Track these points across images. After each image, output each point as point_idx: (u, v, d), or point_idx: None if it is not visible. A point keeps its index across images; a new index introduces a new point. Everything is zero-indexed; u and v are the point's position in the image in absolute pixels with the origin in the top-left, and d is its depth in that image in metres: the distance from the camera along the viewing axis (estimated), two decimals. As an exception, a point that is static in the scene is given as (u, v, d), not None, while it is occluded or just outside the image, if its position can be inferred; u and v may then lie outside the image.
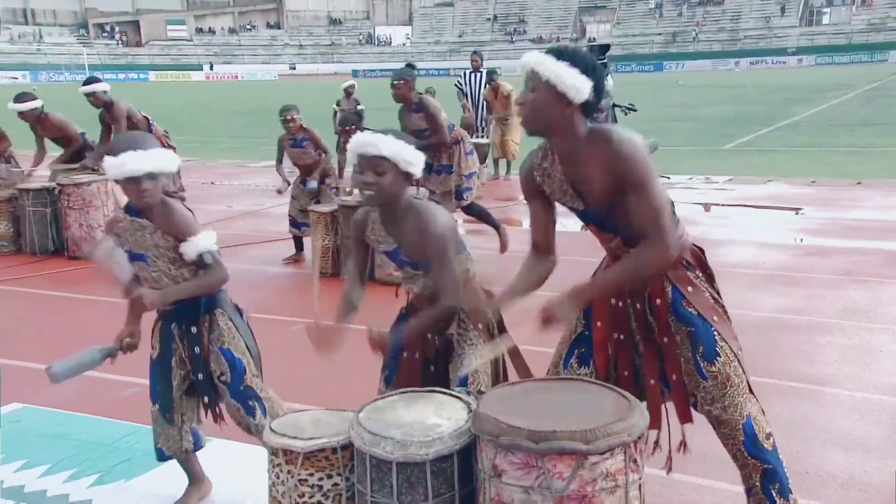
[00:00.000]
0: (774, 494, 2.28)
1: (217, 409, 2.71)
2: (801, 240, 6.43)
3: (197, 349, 2.61)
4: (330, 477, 2.12)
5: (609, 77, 8.69)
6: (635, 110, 9.11)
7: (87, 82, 6.77)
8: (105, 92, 6.70)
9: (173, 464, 2.76)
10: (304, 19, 77.41)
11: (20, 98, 6.72)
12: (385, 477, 1.94)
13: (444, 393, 2.21)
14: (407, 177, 2.33)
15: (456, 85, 10.73)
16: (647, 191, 2.07)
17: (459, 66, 13.20)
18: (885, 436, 3.17)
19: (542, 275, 2.40)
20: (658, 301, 2.23)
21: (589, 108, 2.12)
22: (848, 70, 43.17)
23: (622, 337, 2.30)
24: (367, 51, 72.47)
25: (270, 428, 2.24)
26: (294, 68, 67.29)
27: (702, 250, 2.33)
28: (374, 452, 1.94)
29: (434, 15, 75.61)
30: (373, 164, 2.29)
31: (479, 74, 10.26)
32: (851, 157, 11.49)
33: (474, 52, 10.28)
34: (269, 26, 76.82)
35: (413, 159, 2.32)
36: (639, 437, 1.90)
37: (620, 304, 2.29)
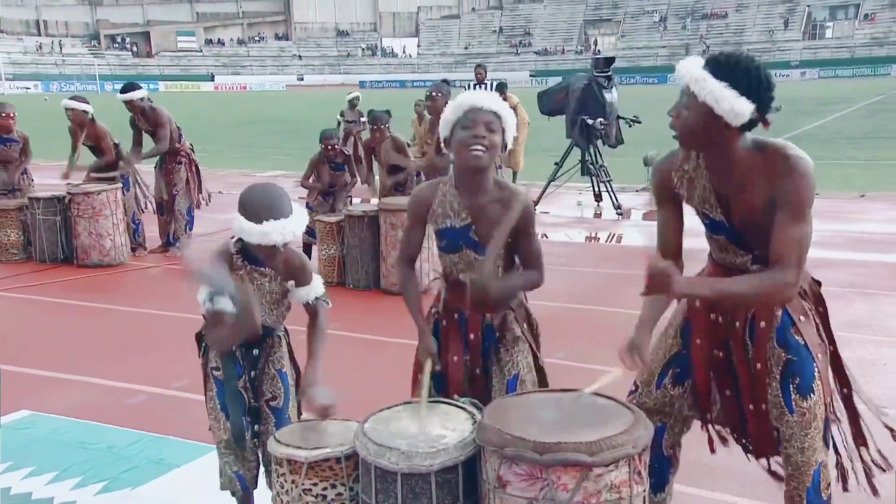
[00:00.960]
0: None
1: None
2: (806, 253, 6.41)
3: (254, 372, 2.47)
4: (334, 487, 2.12)
5: (614, 89, 8.71)
6: (640, 122, 9.14)
7: (126, 89, 6.73)
8: (142, 99, 6.68)
9: (179, 472, 2.76)
10: (311, 31, 77.86)
11: (126, 89, 6.74)
12: (390, 488, 1.94)
13: (450, 403, 2.22)
14: (504, 147, 2.27)
15: None
16: (801, 218, 1.94)
17: (465, 78, 13.27)
18: (892, 449, 3.15)
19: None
20: (762, 324, 2.14)
21: (752, 125, 1.96)
22: (851, 83, 43.16)
23: (721, 355, 2.22)
24: (374, 62, 72.83)
25: (275, 438, 2.24)
26: (302, 79, 67.63)
27: (819, 284, 2.26)
28: (380, 463, 1.94)
29: (440, 27, 75.95)
30: (486, 120, 2.21)
31: (483, 87, 10.30)
32: (855, 169, 11.48)
33: (478, 65, 10.33)
34: (277, 38, 77.29)
35: (512, 130, 2.29)
36: (643, 450, 1.90)
37: (721, 319, 2.21)
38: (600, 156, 8.79)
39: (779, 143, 2.00)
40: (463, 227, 2.30)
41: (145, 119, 6.72)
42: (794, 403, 2.10)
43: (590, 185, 9.06)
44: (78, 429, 3.45)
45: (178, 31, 73.79)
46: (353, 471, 2.11)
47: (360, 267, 5.73)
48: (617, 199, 8.61)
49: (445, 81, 6.60)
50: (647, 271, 1.94)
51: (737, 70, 1.91)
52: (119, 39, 73.29)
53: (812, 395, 2.11)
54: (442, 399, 2.27)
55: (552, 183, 9.03)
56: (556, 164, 8.99)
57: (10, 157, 7.07)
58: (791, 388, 2.11)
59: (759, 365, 2.16)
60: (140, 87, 6.81)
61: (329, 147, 6.17)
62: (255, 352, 2.47)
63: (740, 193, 2.03)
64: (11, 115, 7.03)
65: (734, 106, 1.89)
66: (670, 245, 2.21)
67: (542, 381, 2.46)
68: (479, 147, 2.20)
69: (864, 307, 5.07)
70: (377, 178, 6.62)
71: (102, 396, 3.84)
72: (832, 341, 2.28)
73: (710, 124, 1.94)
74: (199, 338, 2.52)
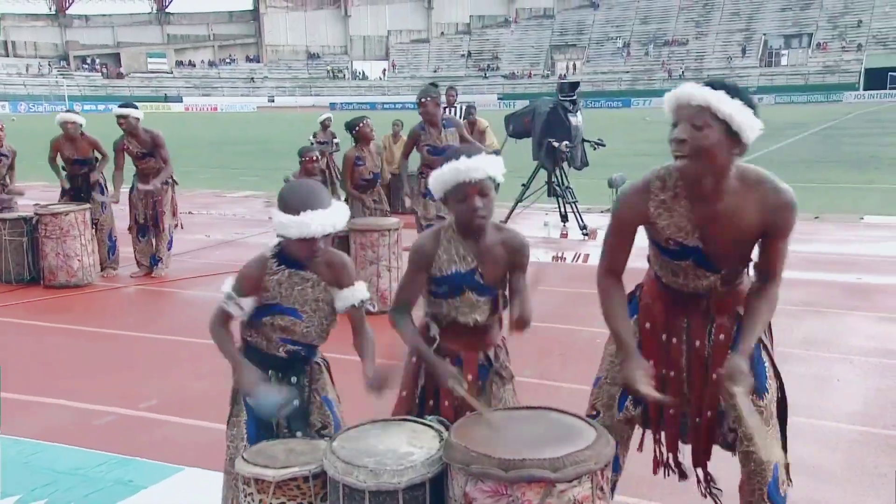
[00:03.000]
0: None
1: None
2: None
3: (297, 402, 2.42)
4: (302, 505, 2.13)
5: (579, 113, 8.87)
6: (604, 145, 9.29)
7: (124, 106, 6.62)
8: (138, 119, 6.55)
9: (147, 493, 2.75)
10: (282, 53, 77.99)
11: (124, 106, 6.65)
12: (358, 505, 1.96)
13: (417, 421, 2.25)
14: (496, 187, 2.32)
15: None
16: (788, 239, 2.15)
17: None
18: (844, 463, 3.25)
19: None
20: (721, 336, 2.25)
21: (745, 148, 2.05)
22: (805, 109, 44.34)
23: (672, 374, 2.30)
24: (344, 84, 73.09)
25: (242, 457, 2.25)
26: (273, 101, 67.55)
27: None
28: (347, 481, 1.96)
29: (410, 51, 76.61)
30: (478, 189, 2.26)
31: (453, 109, 10.40)
32: (810, 192, 11.75)
33: (449, 87, 10.44)
34: (248, 60, 77.25)
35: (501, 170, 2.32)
36: (605, 465, 1.94)
37: (674, 340, 2.29)
38: (566, 177, 8.93)
39: (763, 174, 2.11)
40: (469, 270, 2.37)
41: (137, 141, 6.58)
42: (752, 403, 2.17)
43: (556, 206, 9.18)
44: (44, 451, 3.41)
45: (148, 52, 73.38)
46: (321, 489, 2.12)
47: (331, 288, 5.73)
48: (582, 220, 8.74)
49: (434, 85, 6.63)
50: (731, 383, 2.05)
51: (744, 93, 2.04)
52: (89, 61, 72.70)
53: (766, 393, 2.24)
54: (409, 417, 2.30)
55: (519, 204, 9.14)
56: (523, 185, 9.10)
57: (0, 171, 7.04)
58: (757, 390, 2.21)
59: (714, 376, 2.23)
60: (137, 107, 6.72)
61: (310, 160, 6.25)
62: (294, 380, 2.44)
63: (727, 220, 2.10)
64: (1, 127, 6.97)
65: (752, 122, 2.00)
66: (620, 266, 2.30)
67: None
68: (479, 216, 2.30)
69: (819, 325, 5.19)
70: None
71: (69, 418, 3.80)
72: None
73: (723, 144, 2.00)
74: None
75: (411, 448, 2.06)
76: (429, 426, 2.19)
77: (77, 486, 3.09)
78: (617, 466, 2.45)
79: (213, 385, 3.80)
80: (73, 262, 6.43)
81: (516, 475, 1.82)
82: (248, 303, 2.34)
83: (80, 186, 7.03)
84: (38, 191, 7.89)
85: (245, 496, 2.18)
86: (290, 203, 2.24)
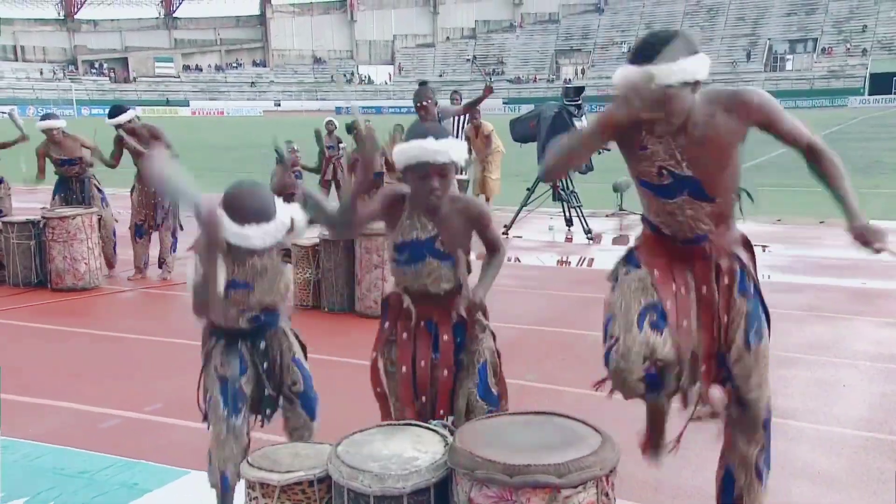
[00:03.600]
0: (763, 466, 2.43)
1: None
2: (769, 276, 6.56)
3: (266, 364, 2.61)
4: (307, 509, 2.14)
5: (583, 117, 8.88)
6: (608, 149, 9.27)
7: (114, 114, 6.76)
8: (131, 120, 6.73)
9: (152, 496, 2.76)
10: (288, 58, 78.25)
11: (115, 113, 6.77)
12: (363, 510, 1.97)
13: (422, 426, 2.25)
14: (458, 170, 2.44)
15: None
16: (784, 114, 2.27)
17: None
18: (848, 468, 3.24)
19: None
20: (726, 280, 2.31)
21: None
22: (810, 114, 44.19)
23: (685, 323, 2.29)
24: (350, 89, 73.25)
25: (248, 461, 2.26)
26: (279, 105, 67.74)
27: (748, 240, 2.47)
28: (352, 486, 1.97)
29: (415, 55, 76.76)
30: (438, 171, 2.39)
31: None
32: (815, 197, 11.70)
33: (454, 92, 10.46)
34: (254, 64, 77.54)
35: (463, 154, 2.47)
36: (611, 471, 1.94)
37: (683, 290, 2.31)
38: (571, 182, 8.94)
39: (721, 88, 2.27)
40: (428, 238, 2.47)
41: (138, 138, 6.71)
42: (752, 345, 2.29)
43: (561, 210, 9.19)
44: (50, 454, 3.43)
45: (156, 57, 73.77)
46: (326, 494, 2.13)
47: (336, 290, 5.75)
48: (587, 224, 8.74)
49: (424, 83, 6.66)
50: None
51: (679, 38, 2.16)
52: (97, 65, 73.15)
53: (763, 338, 2.33)
54: (413, 422, 2.31)
55: (524, 208, 9.15)
56: (528, 189, 9.11)
57: None
58: (751, 333, 2.30)
59: (725, 318, 2.30)
60: (128, 109, 6.87)
61: (291, 151, 6.52)
62: (262, 344, 2.59)
63: (707, 141, 2.19)
64: None
65: (701, 63, 2.16)
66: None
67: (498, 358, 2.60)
68: (436, 196, 2.42)
69: (824, 329, 5.18)
70: None
71: (75, 421, 3.81)
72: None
73: (690, 95, 2.15)
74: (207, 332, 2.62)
75: (416, 453, 2.07)
76: (434, 431, 2.20)
77: (82, 489, 3.10)
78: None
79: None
80: (79, 266, 6.46)
81: (521, 481, 1.83)
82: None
83: (74, 188, 7.14)
84: (45, 193, 7.94)
85: (250, 500, 2.19)
86: (236, 211, 2.33)
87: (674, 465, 2.64)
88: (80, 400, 4.07)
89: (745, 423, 2.39)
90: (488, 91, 6.78)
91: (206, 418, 2.62)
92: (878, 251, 2.23)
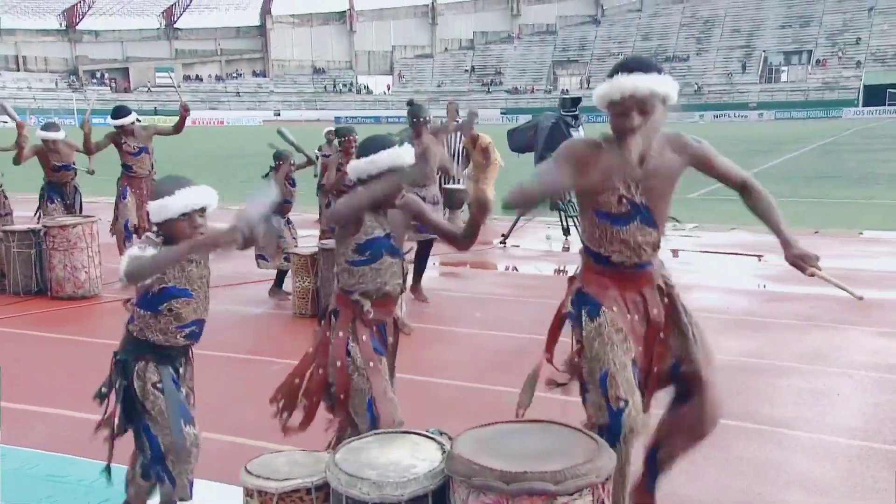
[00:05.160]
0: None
1: None
2: (764, 286, 6.59)
3: (184, 390, 2.66)
4: (305, 517, 2.15)
5: (580, 128, 8.93)
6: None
7: (118, 115, 7.00)
8: (132, 123, 7.01)
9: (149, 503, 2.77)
10: (288, 68, 78.50)
11: (119, 114, 7.00)
12: (361, 517, 1.98)
13: (419, 434, 2.27)
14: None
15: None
16: (718, 156, 2.53)
17: (437, 115, 13.46)
18: (843, 478, 3.26)
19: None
20: (667, 300, 2.57)
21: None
22: (805, 125, 44.45)
23: (637, 319, 2.52)
24: (349, 98, 73.46)
25: (246, 469, 2.28)
26: (279, 114, 67.86)
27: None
28: (351, 493, 1.98)
29: (414, 65, 77.04)
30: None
31: (454, 123, 10.48)
32: (809, 207, 11.78)
33: (450, 102, 10.54)
34: (254, 74, 77.77)
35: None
36: (607, 479, 1.97)
37: (636, 317, 2.52)
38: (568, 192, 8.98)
39: (669, 132, 2.51)
40: (385, 235, 2.69)
41: (136, 137, 6.99)
42: (696, 336, 2.56)
43: (558, 219, 9.23)
44: (48, 461, 3.44)
45: (156, 67, 73.99)
46: (324, 502, 2.15)
47: (334, 300, 5.78)
48: (585, 234, 8.78)
49: (410, 102, 6.77)
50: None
51: (654, 63, 2.41)
52: (98, 75, 73.38)
53: (691, 315, 2.60)
54: (411, 430, 2.33)
55: (522, 218, 9.19)
56: (526, 200, 9.15)
57: None
58: (694, 330, 2.57)
59: (661, 334, 2.54)
60: (131, 112, 7.10)
61: (285, 161, 6.51)
62: (182, 370, 2.68)
63: (659, 171, 2.45)
64: None
65: (674, 87, 2.38)
66: (556, 195, 2.65)
67: None
68: (403, 198, 2.70)
69: (819, 339, 5.20)
70: None
71: (74, 428, 3.81)
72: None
73: (663, 115, 2.39)
74: (124, 361, 2.62)
75: (414, 460, 2.08)
76: (431, 438, 2.22)
77: (80, 496, 3.12)
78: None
79: (218, 396, 3.83)
80: (80, 274, 6.48)
81: (517, 488, 1.85)
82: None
83: (67, 192, 7.37)
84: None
85: (249, 508, 2.21)
86: (164, 189, 2.51)
87: (669, 473, 2.66)
88: (80, 408, 4.06)
89: (703, 403, 2.52)
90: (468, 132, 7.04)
91: (118, 434, 2.64)
92: (811, 275, 2.52)
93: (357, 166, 2.70)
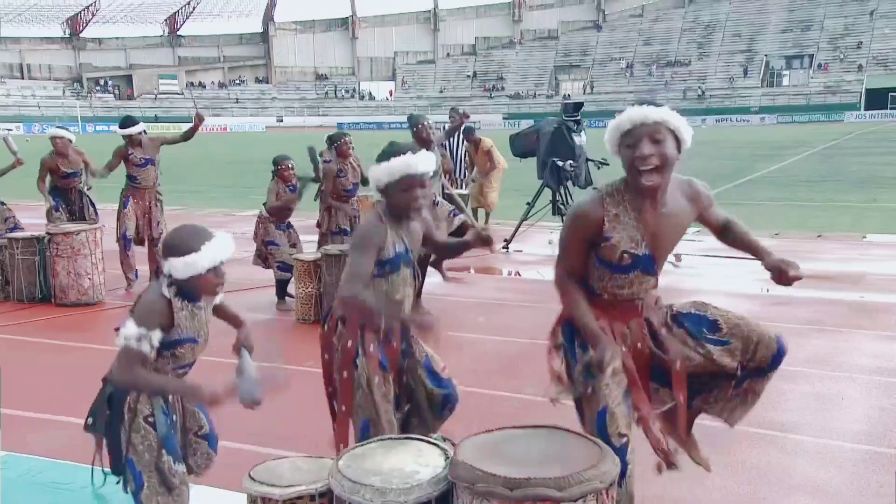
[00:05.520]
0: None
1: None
2: (768, 290, 6.57)
3: (175, 416, 2.59)
4: (309, 523, 2.15)
5: (583, 133, 8.94)
6: (608, 164, 9.33)
7: (126, 125, 7.02)
8: (140, 133, 7.05)
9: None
10: (291, 74, 78.72)
11: (126, 124, 7.04)
12: (364, 523, 1.98)
13: (422, 440, 2.27)
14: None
15: None
16: (715, 205, 2.53)
17: (440, 121, 13.49)
18: (848, 482, 3.24)
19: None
20: (664, 331, 2.52)
21: None
22: (807, 129, 44.44)
23: (624, 349, 2.47)
24: (351, 105, 73.63)
25: (249, 476, 2.28)
26: (281, 121, 68.04)
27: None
28: (354, 500, 1.98)
29: (416, 71, 77.24)
30: (421, 182, 2.64)
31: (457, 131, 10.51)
32: (812, 211, 11.78)
33: (453, 108, 10.56)
34: (257, 81, 78.00)
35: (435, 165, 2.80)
36: (610, 484, 1.96)
37: (624, 349, 2.47)
38: (570, 196, 8.98)
39: (681, 177, 2.45)
40: (404, 249, 2.75)
41: (143, 149, 7.01)
42: (718, 339, 2.51)
43: (560, 224, 9.21)
44: (52, 469, 3.44)
45: (160, 74, 74.30)
46: (328, 507, 2.15)
47: (338, 306, 5.78)
48: (588, 240, 8.77)
49: (411, 116, 6.81)
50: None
51: (660, 103, 2.35)
52: (102, 82, 73.71)
53: (719, 324, 2.55)
54: (414, 436, 2.33)
55: (524, 222, 9.19)
56: (528, 203, 9.16)
57: None
58: (707, 335, 2.52)
59: (678, 364, 2.50)
60: (138, 122, 7.13)
61: (285, 167, 6.45)
62: (170, 398, 2.58)
63: (671, 222, 2.37)
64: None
65: (689, 129, 2.34)
66: (578, 270, 2.49)
67: None
68: (419, 206, 2.70)
69: (822, 343, 5.19)
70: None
71: (78, 436, 3.80)
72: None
73: (676, 152, 2.30)
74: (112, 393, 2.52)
75: (417, 466, 2.08)
76: (434, 444, 2.22)
77: (85, 503, 3.12)
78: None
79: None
80: (83, 281, 6.49)
81: (521, 494, 1.84)
82: (158, 336, 2.43)
83: (73, 199, 7.41)
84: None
85: (252, 514, 2.20)
86: (187, 244, 2.42)
87: (673, 476, 2.66)
88: (83, 415, 4.07)
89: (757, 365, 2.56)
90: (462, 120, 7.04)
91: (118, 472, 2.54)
92: (795, 279, 2.49)
93: (375, 174, 2.72)
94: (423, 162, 2.67)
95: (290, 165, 6.48)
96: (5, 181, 7.42)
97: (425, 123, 6.24)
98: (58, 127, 7.56)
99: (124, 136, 6.97)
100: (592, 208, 2.39)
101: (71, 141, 7.30)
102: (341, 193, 7.09)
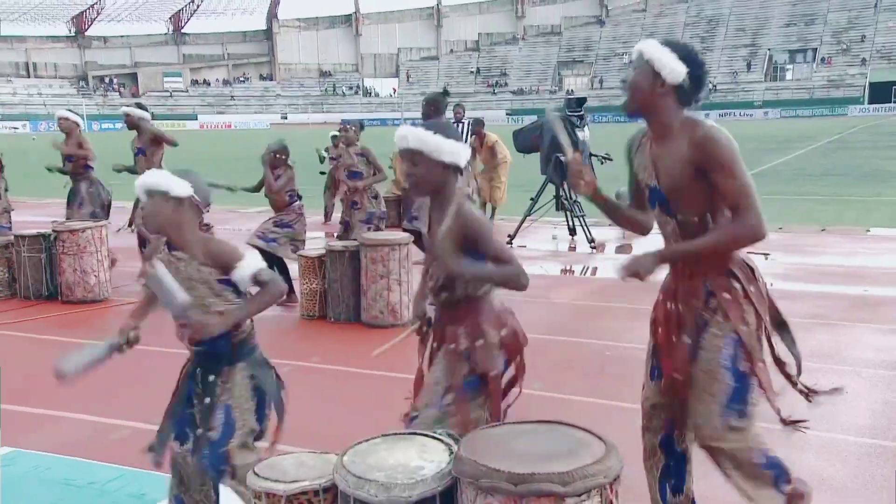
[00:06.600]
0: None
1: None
2: (771, 284, 6.54)
3: (208, 399, 2.52)
4: (313, 519, 2.15)
5: (586, 128, 8.92)
6: (611, 159, 9.32)
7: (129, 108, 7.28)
8: (141, 118, 7.22)
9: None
10: (295, 71, 78.73)
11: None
12: (369, 519, 1.98)
13: (426, 435, 2.27)
14: (445, 167, 2.42)
15: None
16: (733, 171, 2.23)
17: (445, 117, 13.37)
18: (852, 475, 3.24)
19: (640, 221, 2.59)
20: (693, 301, 2.43)
21: (685, 97, 2.34)
22: (810, 123, 44.26)
23: (674, 339, 2.43)
24: (355, 101, 73.62)
25: (254, 471, 2.28)
26: (285, 118, 68.07)
27: (752, 268, 2.48)
28: (359, 495, 1.98)
29: (420, 68, 77.19)
30: (408, 158, 2.46)
31: (461, 125, 10.51)
32: (816, 205, 11.75)
33: (457, 104, 10.54)
34: (261, 78, 78.04)
35: (440, 151, 2.40)
36: (615, 479, 1.96)
37: (673, 307, 2.44)
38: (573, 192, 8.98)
39: (699, 119, 2.33)
40: (427, 232, 2.65)
41: (138, 137, 7.19)
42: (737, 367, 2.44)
43: (564, 219, 9.22)
44: (60, 465, 3.46)
45: (164, 72, 74.41)
46: (332, 503, 2.15)
47: (342, 301, 5.78)
48: (590, 234, 8.76)
49: (445, 93, 6.94)
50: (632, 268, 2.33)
51: (678, 45, 2.35)
52: (107, 80, 73.87)
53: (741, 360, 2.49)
54: (418, 431, 2.33)
55: (528, 217, 9.18)
56: (531, 199, 9.15)
57: None
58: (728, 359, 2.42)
59: (684, 338, 2.44)
60: (146, 109, 7.43)
61: (267, 153, 6.54)
62: (211, 378, 2.53)
63: (670, 158, 2.34)
64: None
65: (672, 63, 2.29)
66: (637, 201, 2.55)
67: None
68: (407, 181, 2.57)
69: (826, 337, 5.17)
70: None
71: (85, 432, 3.84)
72: (773, 309, 2.65)
73: (652, 84, 2.31)
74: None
75: (422, 462, 2.08)
76: (439, 440, 2.22)
77: (91, 500, 3.14)
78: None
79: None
80: (89, 278, 6.51)
81: (525, 489, 1.84)
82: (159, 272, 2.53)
83: (79, 189, 7.46)
84: (58, 207, 8.06)
85: (257, 510, 2.21)
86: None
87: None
88: (90, 411, 4.10)
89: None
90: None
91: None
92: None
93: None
94: (409, 139, 2.47)
95: (271, 149, 6.48)
96: (12, 178, 7.51)
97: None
98: (67, 110, 7.69)
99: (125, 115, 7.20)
100: (636, 134, 2.53)
101: (76, 123, 7.45)
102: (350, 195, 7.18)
